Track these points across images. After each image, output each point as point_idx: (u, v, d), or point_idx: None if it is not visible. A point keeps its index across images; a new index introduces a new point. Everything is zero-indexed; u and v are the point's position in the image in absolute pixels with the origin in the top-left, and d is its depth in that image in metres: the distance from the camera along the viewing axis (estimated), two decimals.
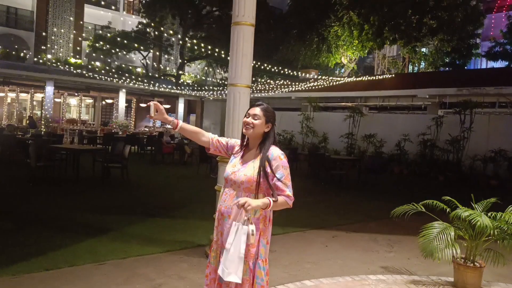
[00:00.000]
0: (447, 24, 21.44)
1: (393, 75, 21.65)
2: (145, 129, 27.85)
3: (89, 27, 29.16)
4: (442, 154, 15.06)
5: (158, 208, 7.38)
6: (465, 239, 4.05)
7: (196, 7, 27.83)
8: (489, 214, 3.82)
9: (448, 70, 23.60)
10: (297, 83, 21.34)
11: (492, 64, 25.20)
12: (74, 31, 25.28)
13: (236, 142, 2.62)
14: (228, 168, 2.49)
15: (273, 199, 2.29)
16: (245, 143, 2.54)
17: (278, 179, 2.33)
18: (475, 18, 22.62)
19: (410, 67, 26.22)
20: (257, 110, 2.45)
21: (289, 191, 2.35)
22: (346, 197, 9.63)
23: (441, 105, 18.43)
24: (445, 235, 3.70)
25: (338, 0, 23.02)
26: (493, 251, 3.97)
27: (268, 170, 2.35)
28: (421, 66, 25.89)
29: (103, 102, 29.44)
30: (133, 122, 28.78)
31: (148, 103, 2.46)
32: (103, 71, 22.86)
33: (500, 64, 23.92)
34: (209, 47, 18.76)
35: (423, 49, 24.88)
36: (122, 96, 26.81)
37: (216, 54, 18.92)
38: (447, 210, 4.08)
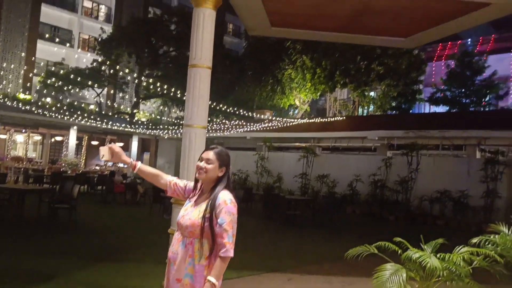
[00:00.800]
0: (393, 70, 22.83)
1: (344, 117, 22.52)
2: (96, 167, 26.95)
3: (42, 63, 28.47)
4: (392, 194, 15.55)
5: (108, 251, 7.05)
6: (417, 280, 4.14)
7: (153, 46, 27.98)
8: (438, 255, 3.95)
9: (395, 114, 24.83)
10: (252, 123, 21.65)
11: (434, 109, 26.83)
12: (25, 67, 24.56)
13: (191, 185, 2.58)
14: (180, 212, 2.45)
15: (214, 277, 2.24)
16: (199, 186, 2.51)
17: (220, 225, 2.28)
18: (418, 66, 24.24)
19: (360, 110, 27.39)
20: (210, 154, 2.42)
21: (228, 239, 2.26)
22: (301, 238, 9.65)
23: (389, 146, 19.26)
24: (397, 277, 3.77)
25: (292, 45, 24.00)
26: None
27: (213, 215, 2.30)
28: (370, 109, 27.14)
29: (53, 140, 28.37)
30: (83, 161, 27.82)
31: (99, 148, 2.43)
32: (53, 108, 22.17)
33: (441, 109, 25.51)
34: (165, 86, 18.77)
35: (372, 93, 26.17)
36: (73, 134, 25.98)
37: (172, 93, 18.94)
38: (399, 251, 4.18)
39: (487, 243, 4.11)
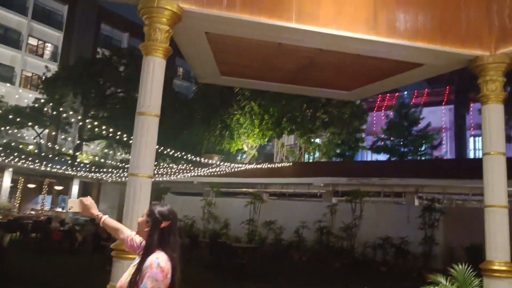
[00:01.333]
0: (337, 119, 23.88)
1: (291, 163, 22.95)
2: (32, 212, 25.32)
3: None
4: (337, 241, 15.75)
5: None
6: None
7: (100, 87, 27.47)
8: None
9: (339, 161, 25.71)
10: (199, 168, 21.48)
11: (376, 156, 28.10)
12: None
13: None
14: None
15: None
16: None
17: None
18: (360, 115, 25.54)
19: (306, 156, 28.11)
20: (145, 211, 2.42)
21: None
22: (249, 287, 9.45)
23: (334, 193, 19.75)
24: None
25: (241, 91, 24.55)
26: None
27: (138, 279, 2.17)
28: (316, 155, 27.94)
29: None
30: (17, 205, 26.04)
31: (68, 200, 2.48)
32: None
33: (382, 156, 26.78)
34: (111, 127, 18.35)
35: (317, 140, 27.06)
36: (7, 176, 24.39)
37: (118, 135, 18.51)
38: None
39: None
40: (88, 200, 2.52)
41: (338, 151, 26.74)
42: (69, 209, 2.48)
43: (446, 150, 28.78)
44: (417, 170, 18.41)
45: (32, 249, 13.43)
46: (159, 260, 2.19)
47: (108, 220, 2.60)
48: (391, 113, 27.13)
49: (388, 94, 32.56)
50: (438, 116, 29.30)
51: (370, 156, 30.11)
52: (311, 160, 28.05)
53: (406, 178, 17.26)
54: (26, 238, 15.17)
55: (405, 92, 30.75)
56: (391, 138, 25.87)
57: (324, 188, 19.68)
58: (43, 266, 10.76)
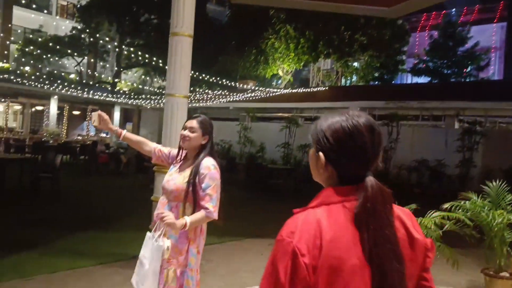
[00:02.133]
0: (377, 41, 22.83)
1: (327, 87, 22.58)
2: (78, 137, 26.69)
3: (19, 30, 27.54)
4: None
5: (91, 220, 7.15)
6: None
7: (134, 14, 27.27)
8: None
9: (377, 84, 25.04)
10: (235, 94, 21.58)
11: (416, 80, 27.13)
12: (1, 34, 23.76)
13: (174, 151, 2.68)
14: (165, 177, 2.56)
15: (190, 220, 2.34)
16: (183, 154, 2.61)
17: (203, 190, 2.40)
18: (401, 36, 24.29)
19: (343, 81, 27.51)
20: (193, 123, 2.51)
21: (211, 203, 2.39)
22: (283, 206, 9.85)
23: (371, 117, 19.50)
24: None
25: (276, 14, 23.72)
26: None
27: (197, 180, 2.41)
28: (353, 79, 27.27)
29: (33, 109, 27.83)
30: (65, 131, 27.45)
31: (91, 114, 2.54)
32: (33, 77, 21.66)
33: (423, 79, 25.81)
34: (147, 53, 18.48)
35: (355, 64, 26.24)
36: (53, 103, 25.51)
37: (154, 62, 18.66)
38: None
39: (458, 208, 4.31)
40: (105, 115, 2.57)
41: (376, 74, 25.95)
42: (93, 122, 2.53)
43: (494, 72, 27.30)
44: (459, 92, 17.71)
45: (80, 171, 14.41)
46: (214, 163, 2.47)
47: (128, 134, 2.65)
48: (436, 33, 25.63)
49: (433, 13, 30.55)
50: (487, 35, 27.43)
51: (410, 79, 29.08)
52: (347, 85, 27.45)
53: (447, 100, 16.69)
54: (75, 161, 16.22)
55: (453, 10, 28.66)
56: (434, 60, 24.69)
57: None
58: (91, 185, 11.61)
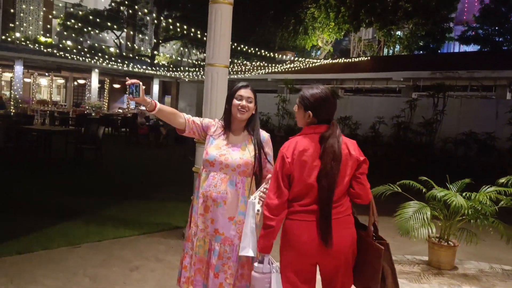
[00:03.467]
0: (422, 7, 21.66)
1: (369, 58, 21.81)
2: (119, 110, 27.29)
3: (60, 5, 28.07)
4: (415, 137, 15.32)
5: (133, 190, 7.28)
6: (440, 219, 4.13)
7: None
8: (463, 194, 3.90)
9: (422, 54, 23.92)
10: (273, 65, 21.24)
11: (464, 48, 25.70)
12: (43, 8, 24.30)
13: (210, 122, 2.52)
14: (212, 151, 2.38)
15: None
16: (222, 125, 2.48)
17: (270, 162, 2.40)
18: (449, 2, 22.91)
19: (385, 51, 26.47)
20: (250, 93, 2.40)
21: None
22: None
23: (415, 88, 18.72)
24: (421, 215, 3.77)
25: None
26: (467, 230, 4.08)
27: (262, 153, 2.39)
28: (396, 49, 26.17)
29: (75, 83, 28.62)
30: (106, 104, 28.14)
31: (127, 82, 2.28)
32: (74, 51, 22.14)
33: (472, 48, 24.40)
34: (185, 26, 18.37)
35: (398, 33, 25.12)
36: (94, 77, 26.10)
37: (192, 34, 18.56)
38: (423, 190, 4.14)
39: None
40: (141, 85, 2.33)
41: (421, 43, 24.76)
42: (129, 94, 2.29)
43: None
44: (511, 61, 16.63)
45: (122, 142, 14.74)
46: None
47: (162, 106, 2.40)
48: None
49: None
50: None
51: (457, 48, 27.61)
52: (390, 55, 26.40)
53: (499, 70, 15.71)
54: (116, 132, 16.59)
55: None
56: (485, 27, 23.20)
57: (404, 82, 18.68)
58: (132, 156, 11.84)
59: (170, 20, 22.45)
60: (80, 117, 16.31)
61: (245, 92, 2.39)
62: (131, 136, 15.11)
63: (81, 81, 28.25)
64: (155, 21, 27.23)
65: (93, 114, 21.45)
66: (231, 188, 2.31)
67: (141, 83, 2.30)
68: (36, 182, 7.40)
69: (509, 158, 13.33)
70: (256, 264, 2.10)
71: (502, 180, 4.05)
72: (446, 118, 14.61)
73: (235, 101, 2.38)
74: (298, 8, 24.46)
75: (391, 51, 26.51)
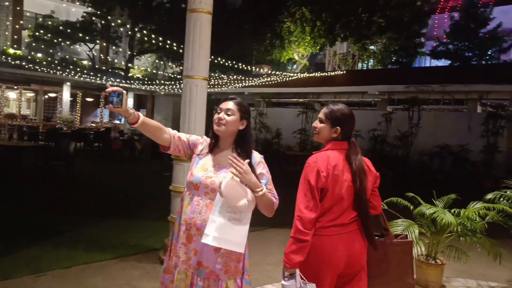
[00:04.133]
0: (395, 23, 22.10)
1: (344, 71, 22.01)
2: (92, 124, 26.64)
3: (29, 15, 27.38)
4: (392, 150, 15.43)
5: (107, 208, 6.93)
6: (427, 236, 4.01)
7: None
8: (452, 211, 3.80)
9: (396, 68, 24.33)
10: (250, 78, 21.18)
11: (435, 63, 26.30)
12: (11, 19, 23.61)
13: (197, 140, 2.27)
14: (198, 172, 2.12)
15: (265, 191, 2.05)
16: (217, 142, 2.23)
17: (264, 184, 2.10)
18: (421, 18, 23.48)
19: (360, 65, 26.83)
20: (230, 104, 2.15)
21: (275, 195, 2.16)
22: None
23: (390, 101, 18.96)
24: (409, 233, 3.64)
25: None
26: (455, 248, 3.97)
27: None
28: (370, 63, 26.58)
29: (46, 96, 27.83)
30: (79, 117, 27.43)
31: (107, 89, 1.95)
32: (45, 63, 21.53)
33: (443, 62, 25.00)
34: (160, 38, 18.13)
35: (372, 47, 25.53)
36: (66, 90, 25.44)
37: (167, 46, 18.33)
38: (411, 207, 4.02)
39: (502, 198, 3.95)
40: (125, 95, 2.00)
41: (394, 58, 25.22)
42: (109, 104, 1.96)
43: None
44: (482, 75, 17.03)
45: (95, 158, 14.27)
46: (261, 155, 2.25)
47: (147, 119, 2.10)
48: (456, 14, 24.70)
49: None
50: (510, 17, 26.43)
51: (428, 63, 28.21)
52: (365, 69, 26.78)
53: (470, 84, 16.07)
54: (89, 147, 16.09)
55: None
56: (455, 42, 23.82)
57: (379, 96, 18.90)
58: (107, 172, 11.43)
59: (145, 32, 22.17)
60: (50, 132, 15.76)
61: (224, 104, 2.17)
62: (104, 151, 14.66)
63: (52, 95, 27.49)
64: (130, 33, 26.86)
65: (64, 129, 20.82)
66: None
67: (124, 91, 1.97)
68: (1, 201, 6.96)
69: (483, 170, 13.55)
70: (286, 282, 2.11)
71: (489, 196, 3.98)
72: (421, 131, 14.79)
73: (215, 115, 2.18)
74: (274, 22, 24.59)
75: (365, 66, 26.91)
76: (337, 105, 2.25)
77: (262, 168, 2.16)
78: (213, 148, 2.21)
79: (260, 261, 4.74)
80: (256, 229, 6.08)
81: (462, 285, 4.12)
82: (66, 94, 25.53)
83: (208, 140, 2.25)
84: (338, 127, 2.19)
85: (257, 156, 2.19)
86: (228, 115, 2.13)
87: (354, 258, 2.12)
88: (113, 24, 25.27)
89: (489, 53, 23.46)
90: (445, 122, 15.45)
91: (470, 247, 3.89)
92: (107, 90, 1.96)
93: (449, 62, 24.03)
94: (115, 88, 1.95)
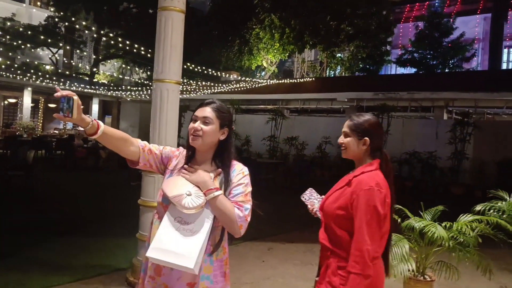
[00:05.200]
0: (363, 31, 22.38)
1: (313, 78, 22.04)
2: (55, 131, 25.55)
3: None
4: None
5: (68, 224, 6.40)
6: (415, 250, 3.81)
7: (112, 2, 26.09)
8: (443, 224, 3.60)
9: (364, 75, 24.64)
10: (219, 85, 20.85)
11: (401, 70, 26.87)
12: None
13: (172, 152, 1.93)
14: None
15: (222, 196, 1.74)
16: (189, 154, 1.89)
17: (234, 195, 1.78)
18: (387, 27, 23.89)
19: (328, 72, 27.03)
20: (207, 111, 1.81)
21: (244, 210, 1.76)
22: (277, 203, 9.26)
23: (358, 108, 19.05)
24: (399, 249, 3.41)
25: (260, 3, 23.00)
26: (446, 263, 3.77)
27: (229, 192, 1.79)
28: (337, 71, 26.83)
29: (5, 102, 26.50)
30: (40, 124, 26.26)
31: (57, 93, 1.60)
32: (4, 67, 20.44)
33: (408, 70, 25.55)
34: (127, 42, 17.56)
35: (339, 55, 25.78)
36: (27, 95, 24.29)
37: (135, 50, 17.77)
38: (398, 220, 3.81)
39: (491, 210, 3.80)
40: (79, 101, 1.64)
41: (361, 65, 25.56)
42: (62, 112, 1.61)
43: (478, 63, 27.22)
44: (447, 83, 17.39)
45: (57, 167, 13.54)
46: (245, 169, 1.90)
47: (108, 129, 1.74)
48: (420, 24, 25.33)
49: (417, 4, 30.28)
50: (471, 27, 27.34)
51: (394, 71, 28.83)
52: (333, 76, 27.00)
53: (436, 91, 16.36)
54: (50, 156, 15.29)
55: (436, 1, 28.40)
56: (419, 51, 24.39)
57: (348, 103, 18.96)
58: (69, 182, 10.78)
59: (111, 34, 21.48)
60: (8, 139, 14.87)
61: (200, 112, 1.83)
62: (67, 160, 13.93)
63: (12, 100, 26.22)
64: (95, 37, 26.00)
65: (25, 136, 19.82)
66: None
67: (76, 96, 1.61)
68: None
69: (451, 176, 13.73)
70: None
71: (478, 207, 3.82)
72: (390, 138, 14.86)
73: (190, 124, 1.83)
74: (243, 29, 24.40)
75: (333, 73, 27.14)
76: (363, 116, 2.02)
77: (240, 179, 1.82)
78: (189, 162, 1.87)
79: (236, 280, 4.41)
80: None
81: None
82: (27, 99, 24.38)
83: (184, 152, 1.92)
84: (366, 138, 1.96)
85: (237, 168, 1.86)
86: (206, 123, 1.80)
87: None
88: (77, 27, 24.41)
89: (452, 61, 24.13)
90: (413, 129, 15.63)
91: (459, 262, 3.71)
92: (55, 95, 1.60)
93: (414, 70, 24.57)
94: (65, 93, 1.60)
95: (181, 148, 1.98)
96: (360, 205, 1.81)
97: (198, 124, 1.80)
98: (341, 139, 2.03)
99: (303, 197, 2.08)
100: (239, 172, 1.85)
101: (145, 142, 1.93)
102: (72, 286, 3.91)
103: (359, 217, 1.80)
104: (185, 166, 1.80)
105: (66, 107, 1.59)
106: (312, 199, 2.09)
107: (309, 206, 2.09)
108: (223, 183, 1.79)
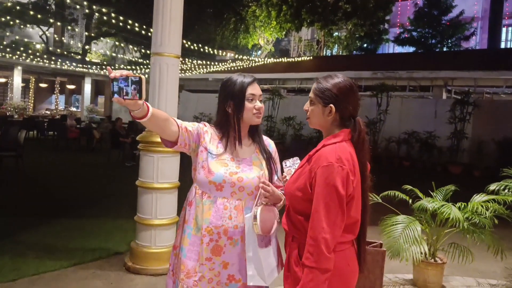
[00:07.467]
0: (361, 9, 21.97)
1: (311, 57, 21.71)
2: (46, 112, 25.15)
3: None
4: None
5: (62, 206, 6.19)
6: (426, 232, 3.66)
7: None
8: (457, 205, 3.44)
9: (362, 54, 24.32)
10: (214, 64, 20.48)
11: (399, 49, 26.54)
12: None
13: (201, 128, 1.82)
14: (217, 168, 1.72)
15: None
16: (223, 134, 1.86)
17: (278, 177, 1.94)
18: (385, 5, 23.47)
19: (325, 51, 26.66)
20: (259, 90, 1.86)
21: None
22: None
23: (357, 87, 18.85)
24: (411, 231, 3.25)
25: None
26: (459, 245, 3.63)
27: (273, 165, 1.91)
28: (335, 50, 26.47)
29: None
30: (31, 104, 25.80)
31: (112, 74, 1.43)
32: None
33: (407, 49, 25.24)
34: (121, 18, 17.06)
35: (337, 33, 25.39)
36: (17, 75, 23.74)
37: (128, 27, 17.30)
38: (409, 201, 3.65)
39: (506, 189, 3.64)
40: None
41: (359, 44, 25.20)
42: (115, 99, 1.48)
43: (477, 42, 26.92)
44: (447, 62, 17.16)
45: (49, 147, 13.27)
46: None
47: (156, 110, 1.63)
48: (419, 1, 24.90)
49: None
50: (470, 5, 26.93)
51: (392, 49, 28.48)
52: (331, 55, 26.63)
53: (436, 70, 16.14)
54: (42, 136, 15.00)
55: None
56: (418, 29, 24.02)
57: None
58: (61, 163, 10.55)
59: (103, 11, 20.91)
60: None
61: (257, 90, 1.82)
62: (59, 140, 13.65)
63: (2, 80, 25.65)
64: (87, 14, 25.35)
65: (15, 116, 19.44)
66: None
67: (142, 76, 1.48)
68: None
69: (449, 156, 13.64)
70: None
71: (493, 187, 3.66)
72: (389, 117, 14.71)
73: (248, 104, 1.79)
74: (239, 6, 23.88)
75: (330, 52, 26.76)
76: (332, 78, 1.65)
77: (276, 157, 1.97)
78: (234, 141, 1.84)
79: None
80: None
81: (462, 285, 3.81)
82: (17, 79, 23.84)
83: (211, 128, 1.85)
84: (331, 106, 1.61)
85: (272, 144, 1.99)
86: (261, 101, 1.85)
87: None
88: (68, 2, 23.74)
89: (451, 40, 23.83)
90: (412, 109, 15.46)
91: (472, 243, 3.57)
92: (111, 75, 1.44)
93: (413, 48, 24.26)
94: (125, 73, 1.45)
95: (207, 124, 1.89)
96: (318, 185, 1.51)
97: (259, 104, 1.83)
98: (306, 106, 1.71)
99: (285, 163, 1.87)
100: (274, 148, 1.99)
101: (180, 120, 1.79)
102: (69, 271, 3.72)
103: (316, 199, 1.51)
104: (263, 185, 1.75)
105: (130, 89, 1.42)
106: (291, 168, 1.84)
107: (285, 173, 1.84)
108: (265, 153, 1.89)
